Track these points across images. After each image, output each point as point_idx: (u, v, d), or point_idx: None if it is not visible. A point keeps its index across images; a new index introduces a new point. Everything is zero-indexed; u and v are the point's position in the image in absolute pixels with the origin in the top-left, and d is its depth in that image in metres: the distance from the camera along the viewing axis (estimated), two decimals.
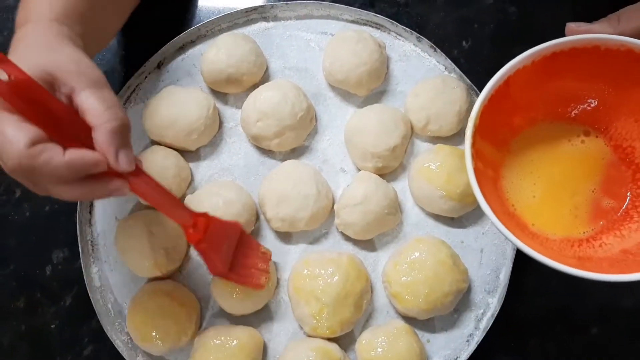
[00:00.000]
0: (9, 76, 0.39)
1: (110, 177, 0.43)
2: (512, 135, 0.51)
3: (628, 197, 0.48)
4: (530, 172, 0.50)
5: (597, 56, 0.45)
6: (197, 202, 0.59)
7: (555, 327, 0.60)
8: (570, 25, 0.46)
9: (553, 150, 0.50)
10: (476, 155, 0.45)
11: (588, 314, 0.61)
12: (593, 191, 0.49)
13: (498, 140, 0.50)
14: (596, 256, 0.46)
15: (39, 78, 0.41)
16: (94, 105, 0.42)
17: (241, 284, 0.55)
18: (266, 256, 0.58)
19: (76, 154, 0.41)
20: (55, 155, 0.40)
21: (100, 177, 0.43)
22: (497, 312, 0.57)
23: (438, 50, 0.63)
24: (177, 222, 0.50)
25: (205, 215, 0.51)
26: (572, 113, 0.50)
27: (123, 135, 0.43)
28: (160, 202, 0.48)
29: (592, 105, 0.50)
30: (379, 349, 0.55)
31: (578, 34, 0.45)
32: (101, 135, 0.41)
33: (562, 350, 0.60)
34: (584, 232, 0.48)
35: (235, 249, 0.54)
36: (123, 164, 0.42)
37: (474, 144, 0.45)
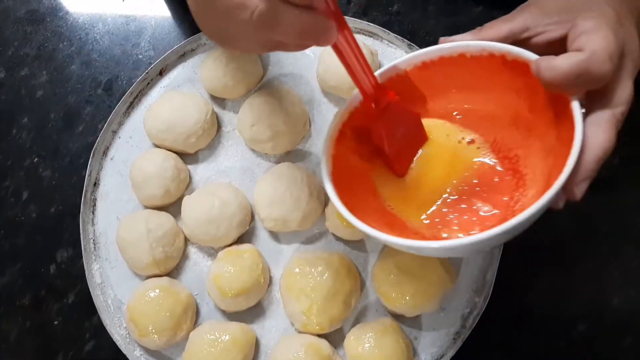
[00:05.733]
0: None
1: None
2: None
3: (509, 204, 0.47)
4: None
5: (466, 65, 0.46)
6: (195, 202, 0.61)
7: (542, 325, 0.61)
8: (441, 38, 0.47)
9: (431, 145, 0.50)
10: (350, 151, 0.47)
11: (575, 311, 0.62)
12: (449, 191, 0.48)
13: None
14: None
15: None
16: None
17: (394, 169, 0.51)
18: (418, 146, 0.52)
19: None
20: None
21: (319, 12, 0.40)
22: (483, 310, 0.59)
23: None
24: (360, 89, 0.46)
25: (389, 92, 0.47)
26: (459, 121, 0.50)
27: None
28: (353, 68, 0.45)
29: (475, 119, 0.49)
30: (367, 345, 0.56)
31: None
32: None
33: (549, 347, 0.61)
34: (458, 236, 0.46)
35: (405, 134, 0.50)
36: None
37: (342, 138, 0.47)
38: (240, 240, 0.63)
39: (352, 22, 0.67)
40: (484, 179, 0.48)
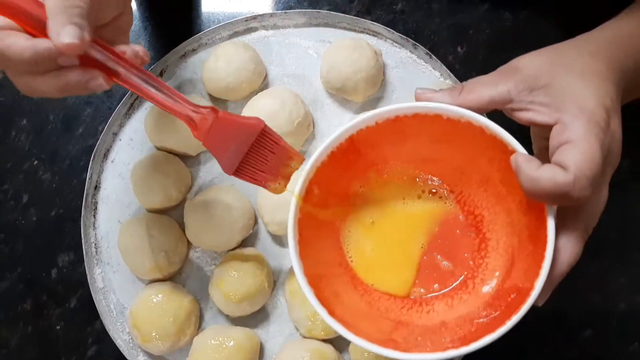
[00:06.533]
0: None
1: (87, 68, 0.41)
2: (364, 189, 0.50)
3: (469, 266, 0.47)
4: (373, 228, 0.49)
5: (441, 124, 0.44)
6: (197, 206, 0.60)
7: (548, 330, 0.61)
8: (417, 91, 0.45)
9: (403, 207, 0.49)
10: (317, 205, 0.46)
11: (581, 316, 0.61)
12: (422, 247, 0.48)
13: (344, 193, 0.49)
14: (415, 323, 0.45)
15: None
16: None
17: (249, 182, 0.49)
18: (288, 163, 0.49)
19: (41, 39, 0.40)
20: (20, 39, 0.39)
21: (76, 67, 0.41)
22: None
23: (433, 57, 0.64)
24: (179, 118, 0.46)
25: (212, 111, 0.46)
26: (427, 173, 0.49)
27: (72, 14, 0.39)
28: (154, 98, 0.45)
29: (444, 168, 0.48)
30: None
31: (422, 101, 0.45)
32: (48, 20, 0.39)
33: (556, 353, 0.60)
34: (420, 291, 0.47)
35: (252, 148, 0.47)
36: (65, 37, 0.38)
37: (309, 196, 0.45)
38: (243, 243, 0.62)
39: (355, 21, 0.66)
40: (446, 229, 0.48)
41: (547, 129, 0.41)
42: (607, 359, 0.61)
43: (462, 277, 0.47)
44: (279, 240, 0.63)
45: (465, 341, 0.39)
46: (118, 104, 0.65)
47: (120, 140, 0.66)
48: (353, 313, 0.43)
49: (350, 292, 0.46)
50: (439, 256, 0.48)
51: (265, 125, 0.47)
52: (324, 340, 0.58)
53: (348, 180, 0.49)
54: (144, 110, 0.66)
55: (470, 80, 0.44)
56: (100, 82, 0.42)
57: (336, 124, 0.65)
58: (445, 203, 0.49)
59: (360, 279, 0.48)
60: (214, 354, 0.56)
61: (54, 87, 0.41)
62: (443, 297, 0.46)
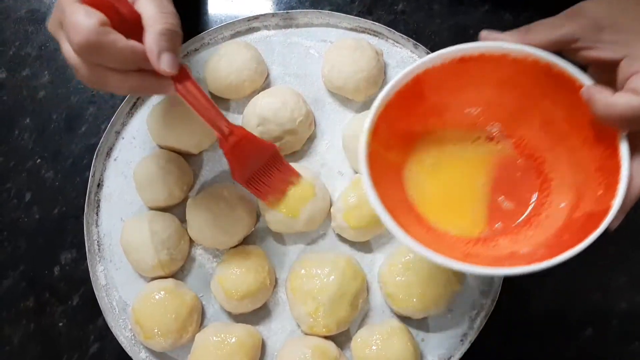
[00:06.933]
0: None
1: (160, 75, 0.47)
2: (424, 131, 0.50)
3: (532, 205, 0.48)
4: (434, 170, 0.50)
5: (506, 65, 0.44)
6: (199, 204, 0.61)
7: (549, 328, 0.61)
8: (483, 33, 0.46)
9: (459, 151, 0.50)
10: (382, 145, 0.45)
11: (582, 315, 0.61)
12: (483, 184, 0.49)
13: (406, 136, 0.49)
14: (484, 254, 0.46)
15: None
16: (149, 9, 0.45)
17: (253, 194, 0.59)
18: (289, 182, 0.60)
19: (136, 43, 0.45)
20: (121, 39, 0.44)
21: (152, 72, 0.47)
22: (490, 312, 0.58)
23: None
24: (214, 130, 0.53)
25: (241, 129, 0.55)
26: (487, 118, 0.50)
27: (170, 39, 0.46)
28: (201, 109, 0.52)
29: (505, 113, 0.49)
30: (374, 347, 0.56)
31: (488, 41, 0.45)
32: (149, 35, 0.45)
33: (556, 351, 0.61)
34: (481, 232, 0.48)
35: (263, 165, 0.58)
36: (164, 65, 0.45)
37: (376, 134, 0.45)
38: (245, 241, 0.62)
39: (357, 21, 0.66)
40: (505, 172, 0.49)
41: (610, 67, 0.42)
42: (608, 358, 0.61)
43: (525, 215, 0.47)
44: (281, 237, 0.63)
45: (547, 257, 0.40)
46: (121, 103, 0.66)
47: (123, 138, 0.66)
48: (423, 242, 0.43)
49: (417, 227, 0.46)
50: (500, 197, 0.48)
51: (277, 147, 0.58)
52: (326, 337, 0.58)
53: (410, 124, 0.49)
54: (147, 109, 0.66)
55: (535, 22, 0.45)
56: (171, 88, 0.49)
57: (337, 123, 0.65)
58: (503, 147, 0.50)
59: (423, 218, 0.48)
60: (215, 351, 0.56)
61: (130, 85, 0.47)
62: (507, 234, 0.46)
